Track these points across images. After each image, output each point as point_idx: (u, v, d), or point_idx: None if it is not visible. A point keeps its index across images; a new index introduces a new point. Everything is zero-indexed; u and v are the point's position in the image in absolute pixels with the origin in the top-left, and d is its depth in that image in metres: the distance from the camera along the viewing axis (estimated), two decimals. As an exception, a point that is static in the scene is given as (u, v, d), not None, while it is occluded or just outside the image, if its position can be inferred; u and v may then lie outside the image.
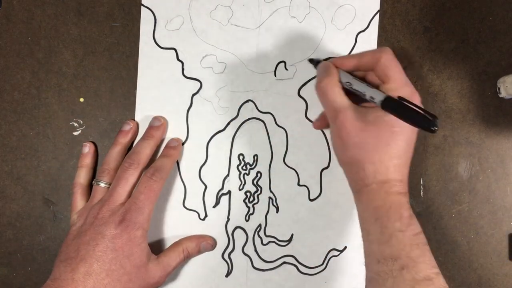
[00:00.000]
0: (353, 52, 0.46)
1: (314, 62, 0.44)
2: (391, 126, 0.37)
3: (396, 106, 0.36)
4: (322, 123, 0.45)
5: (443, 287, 0.35)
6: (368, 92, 0.38)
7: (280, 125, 0.47)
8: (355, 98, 0.40)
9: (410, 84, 0.38)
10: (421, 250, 0.36)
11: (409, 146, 0.38)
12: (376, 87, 0.39)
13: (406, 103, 0.36)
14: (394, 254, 0.36)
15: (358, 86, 0.39)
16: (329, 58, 0.44)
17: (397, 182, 0.37)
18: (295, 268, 0.47)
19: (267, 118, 0.47)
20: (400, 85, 0.38)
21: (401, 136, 0.37)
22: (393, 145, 0.37)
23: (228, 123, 0.47)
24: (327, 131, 0.47)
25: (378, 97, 0.37)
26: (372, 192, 0.38)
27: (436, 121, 0.34)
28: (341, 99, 0.39)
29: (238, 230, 0.47)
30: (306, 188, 0.47)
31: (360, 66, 0.40)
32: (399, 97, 0.36)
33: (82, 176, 0.45)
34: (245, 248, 0.47)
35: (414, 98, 0.37)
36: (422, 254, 0.35)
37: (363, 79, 0.40)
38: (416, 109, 0.35)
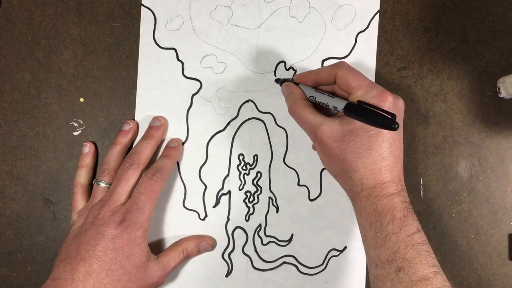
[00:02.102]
0: (353, 52, 0.46)
1: (280, 81, 0.45)
2: (367, 130, 0.37)
3: (357, 111, 0.36)
4: None
5: (442, 286, 0.35)
6: (330, 102, 0.39)
7: (280, 125, 0.47)
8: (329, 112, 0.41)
9: (377, 85, 0.38)
10: (417, 251, 0.36)
11: (392, 145, 0.38)
12: (346, 98, 0.39)
13: (364, 105, 0.36)
14: (390, 257, 0.36)
15: (321, 98, 0.40)
16: (284, 80, 0.45)
17: (387, 184, 0.38)
18: (295, 268, 0.47)
19: (267, 118, 0.47)
20: (365, 89, 0.38)
21: (380, 138, 0.38)
22: (374, 148, 0.37)
23: (228, 123, 0.47)
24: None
25: (340, 105, 0.38)
26: (364, 199, 0.38)
27: (394, 118, 0.35)
28: (314, 117, 0.39)
29: (238, 230, 0.47)
30: (306, 188, 0.47)
31: (319, 81, 0.41)
32: (358, 101, 0.37)
33: (82, 176, 0.46)
34: (245, 248, 0.47)
35: (383, 97, 0.37)
36: (418, 255, 0.35)
37: (332, 93, 0.41)
38: (375, 110, 0.36)
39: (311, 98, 0.41)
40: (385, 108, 0.37)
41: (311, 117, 0.39)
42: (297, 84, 0.43)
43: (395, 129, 0.34)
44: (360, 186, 0.38)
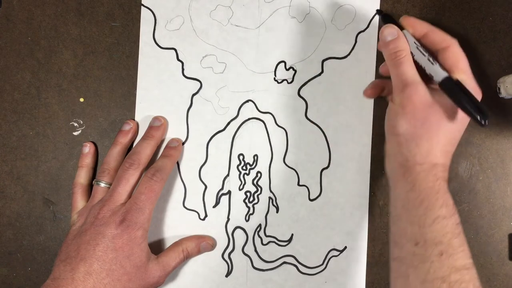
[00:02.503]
0: (353, 52, 0.46)
1: (382, 15, 0.43)
2: (454, 112, 0.37)
3: (453, 88, 0.36)
4: (374, 91, 0.45)
5: (476, 278, 0.35)
6: (428, 67, 0.38)
7: (280, 125, 0.47)
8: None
9: (475, 80, 0.38)
10: (461, 240, 0.36)
11: (460, 137, 0.39)
12: (444, 69, 0.38)
13: (463, 88, 0.36)
14: (436, 238, 0.35)
15: (421, 59, 0.39)
16: (391, 19, 0.42)
17: (445, 168, 0.38)
18: (295, 268, 0.47)
19: (267, 118, 0.47)
20: (468, 77, 0.38)
21: (461, 125, 0.38)
22: (451, 131, 0.38)
23: (228, 123, 0.47)
24: (325, 131, 0.47)
25: (439, 75, 0.37)
26: (422, 173, 0.37)
27: (487, 116, 0.35)
28: (414, 73, 0.38)
29: (238, 230, 0.47)
30: (306, 188, 0.47)
31: (428, 39, 0.40)
32: (457, 80, 0.37)
33: (82, 176, 0.46)
34: (245, 248, 0.47)
35: (478, 94, 0.38)
36: (462, 244, 0.36)
37: (432, 55, 0.40)
38: (472, 97, 0.36)
39: (411, 53, 0.39)
40: None
41: (411, 72, 0.38)
42: (401, 29, 0.40)
43: (482, 125, 0.34)
44: (424, 158, 0.37)
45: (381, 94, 0.45)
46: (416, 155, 0.38)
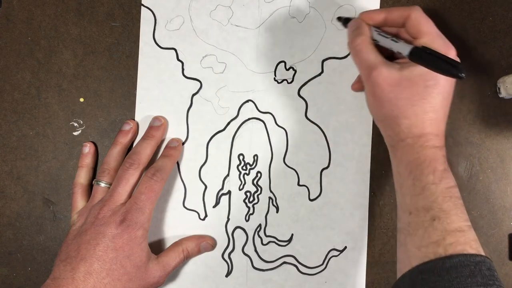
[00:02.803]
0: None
1: (343, 20, 0.44)
2: (425, 80, 0.37)
3: (423, 56, 0.36)
4: (359, 85, 0.45)
5: (474, 240, 0.35)
6: (394, 46, 0.38)
7: (280, 125, 0.47)
8: (389, 55, 0.40)
9: (444, 38, 0.38)
10: (454, 203, 0.36)
11: (445, 99, 0.38)
12: (409, 43, 0.39)
13: (429, 51, 0.36)
14: (426, 205, 0.36)
15: (385, 42, 0.39)
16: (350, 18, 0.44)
17: (432, 136, 0.38)
18: (295, 268, 0.47)
19: (267, 118, 0.47)
20: (433, 38, 0.38)
21: (436, 90, 0.37)
22: (429, 99, 0.37)
23: (228, 123, 0.47)
24: (325, 131, 0.47)
25: (405, 49, 0.37)
26: (407, 147, 0.38)
27: (461, 67, 0.35)
28: (374, 56, 0.39)
29: (238, 230, 0.47)
30: (306, 188, 0.47)
31: (388, 21, 0.40)
32: (423, 47, 0.37)
33: (82, 176, 0.46)
34: (245, 248, 0.47)
35: (449, 51, 0.37)
36: (455, 207, 0.36)
37: (395, 35, 0.40)
38: (442, 56, 0.36)
39: (375, 41, 0.40)
40: None
41: (371, 56, 0.39)
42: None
43: (462, 77, 0.34)
44: (406, 133, 0.38)
45: None
46: (399, 133, 0.38)
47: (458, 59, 0.38)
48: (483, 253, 0.35)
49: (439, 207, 0.36)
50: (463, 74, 0.34)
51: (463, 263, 0.33)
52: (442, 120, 0.39)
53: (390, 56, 0.41)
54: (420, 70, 0.37)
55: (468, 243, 0.35)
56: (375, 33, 0.40)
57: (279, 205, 0.47)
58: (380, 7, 0.46)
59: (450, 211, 0.36)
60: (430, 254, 0.35)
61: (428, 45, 0.37)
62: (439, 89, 0.37)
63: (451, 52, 0.37)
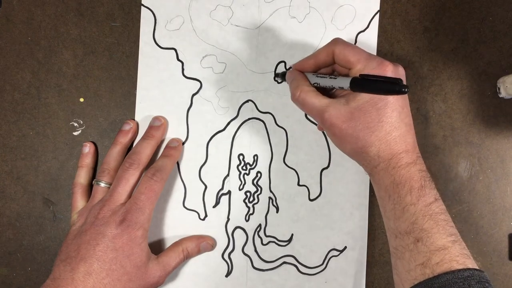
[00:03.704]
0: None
1: (280, 75, 0.45)
2: (374, 103, 0.37)
3: (362, 84, 0.36)
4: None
5: (460, 254, 0.35)
6: (334, 83, 0.39)
7: (280, 125, 0.47)
8: (333, 93, 0.41)
9: (375, 56, 0.38)
10: (434, 221, 0.36)
11: (402, 113, 0.38)
12: (347, 76, 0.39)
13: (368, 77, 0.36)
14: (408, 228, 0.36)
15: (324, 82, 0.40)
16: (289, 68, 0.46)
17: (403, 154, 0.38)
18: (295, 268, 0.47)
19: (267, 118, 0.47)
20: (364, 62, 0.38)
21: (389, 108, 0.37)
22: (385, 120, 0.37)
23: (228, 123, 0.47)
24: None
25: (345, 83, 0.37)
26: (382, 172, 0.38)
27: (401, 83, 0.35)
28: (318, 101, 0.39)
29: (238, 230, 0.47)
30: (306, 188, 0.47)
31: (319, 64, 0.41)
32: (361, 75, 0.37)
33: (82, 176, 0.46)
34: (245, 248, 0.47)
35: (384, 67, 0.37)
36: (435, 225, 0.36)
37: (332, 74, 0.41)
38: (380, 79, 0.36)
39: (315, 84, 0.40)
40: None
41: (316, 101, 0.39)
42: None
43: (405, 92, 0.34)
44: (377, 159, 0.38)
45: None
46: (371, 161, 0.38)
47: (399, 68, 0.38)
48: (471, 266, 0.35)
49: (420, 227, 0.36)
50: (405, 89, 0.34)
51: (451, 281, 0.33)
52: (408, 134, 0.38)
53: (334, 94, 0.42)
54: (366, 97, 0.37)
55: (454, 259, 0.34)
56: (313, 77, 0.41)
57: (279, 205, 0.47)
58: (380, 6, 0.46)
59: (431, 230, 0.35)
60: (419, 276, 0.35)
61: (362, 71, 0.37)
62: (392, 107, 0.37)
63: (387, 69, 0.37)
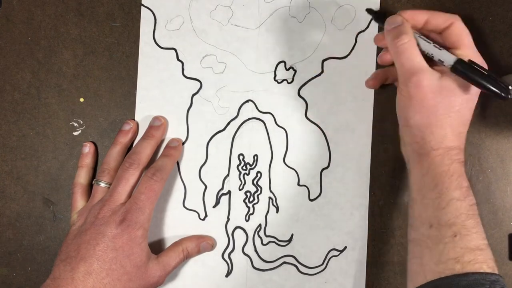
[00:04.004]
0: (353, 52, 0.46)
1: (373, 13, 0.43)
2: (464, 92, 0.37)
3: (467, 70, 0.36)
4: (376, 81, 0.45)
5: (491, 259, 0.35)
6: (436, 54, 0.38)
7: (280, 125, 0.47)
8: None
9: (479, 54, 0.38)
10: (475, 221, 0.36)
11: (472, 115, 0.39)
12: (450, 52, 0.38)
13: (478, 67, 0.36)
14: (450, 220, 0.36)
15: (426, 47, 0.39)
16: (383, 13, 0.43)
17: (460, 150, 0.38)
18: (295, 268, 0.47)
19: (267, 118, 0.47)
20: (471, 52, 0.38)
21: (471, 104, 0.38)
22: (463, 112, 0.38)
23: (228, 123, 0.47)
24: (325, 131, 0.47)
25: (448, 59, 0.37)
26: (438, 158, 0.38)
27: (509, 89, 0.35)
28: (419, 60, 0.38)
29: (238, 230, 0.47)
30: (306, 188, 0.47)
31: (430, 25, 0.40)
32: (470, 61, 0.36)
33: (82, 176, 0.45)
34: (245, 248, 0.47)
35: (486, 64, 0.38)
36: (476, 225, 0.36)
37: (437, 42, 0.40)
38: (489, 73, 0.35)
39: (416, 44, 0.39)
40: None
41: (417, 58, 0.38)
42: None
43: (506, 98, 0.34)
44: (439, 144, 0.38)
45: (385, 83, 0.45)
46: (430, 142, 0.38)
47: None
48: (497, 272, 0.35)
49: (462, 224, 0.36)
50: (509, 94, 0.34)
51: (479, 281, 0.34)
52: (465, 135, 0.39)
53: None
54: (460, 82, 0.37)
55: (485, 261, 0.35)
56: (416, 35, 0.39)
57: (279, 205, 0.47)
58: (380, 7, 0.46)
59: (471, 229, 0.36)
60: (447, 271, 0.35)
61: (465, 57, 0.37)
62: (473, 104, 0.38)
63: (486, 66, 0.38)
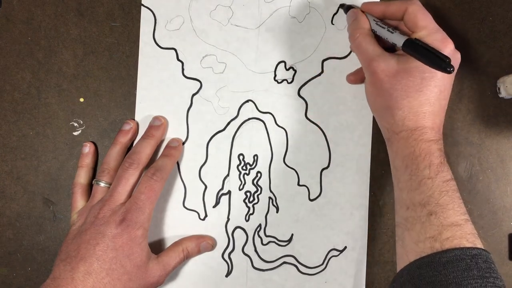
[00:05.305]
0: (353, 53, 0.46)
1: (345, 7, 0.45)
2: (422, 72, 0.38)
3: (415, 48, 0.37)
4: (356, 77, 0.46)
5: (471, 233, 0.35)
6: (389, 37, 0.39)
7: (280, 125, 0.47)
8: (389, 46, 0.41)
9: (443, 32, 0.39)
10: (450, 197, 0.36)
11: (442, 93, 0.39)
12: (408, 35, 0.39)
13: (421, 43, 0.37)
14: (423, 200, 0.36)
15: (382, 33, 0.40)
16: (353, 6, 0.45)
17: (428, 130, 0.38)
18: (295, 268, 0.47)
19: (267, 118, 0.47)
20: (429, 31, 0.38)
21: (433, 82, 0.38)
22: (424, 91, 0.38)
23: (228, 123, 0.47)
24: (325, 131, 0.47)
25: (399, 40, 0.38)
26: (402, 140, 0.38)
27: (449, 61, 0.35)
28: (373, 48, 0.40)
29: (238, 230, 0.47)
30: (306, 188, 0.47)
31: (386, 14, 0.41)
32: (416, 39, 0.37)
33: (82, 176, 0.46)
34: (245, 248, 0.47)
35: (445, 43, 0.38)
36: (451, 201, 0.36)
37: (396, 28, 0.41)
38: (432, 50, 0.36)
39: (373, 31, 0.41)
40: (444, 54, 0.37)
41: (370, 47, 0.40)
42: (363, 12, 0.43)
43: (449, 72, 0.35)
44: (401, 126, 0.38)
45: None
46: (392, 125, 0.39)
47: (457, 54, 0.39)
48: (480, 246, 0.35)
49: (436, 202, 0.36)
50: (450, 69, 0.35)
51: (459, 257, 0.34)
52: (438, 114, 0.39)
53: (391, 48, 0.42)
54: (417, 64, 0.38)
55: (464, 236, 0.35)
56: (373, 23, 0.41)
57: (279, 205, 0.47)
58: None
59: (446, 206, 0.36)
60: (427, 249, 0.35)
61: (423, 38, 0.38)
62: (436, 82, 0.38)
63: (448, 47, 0.38)
